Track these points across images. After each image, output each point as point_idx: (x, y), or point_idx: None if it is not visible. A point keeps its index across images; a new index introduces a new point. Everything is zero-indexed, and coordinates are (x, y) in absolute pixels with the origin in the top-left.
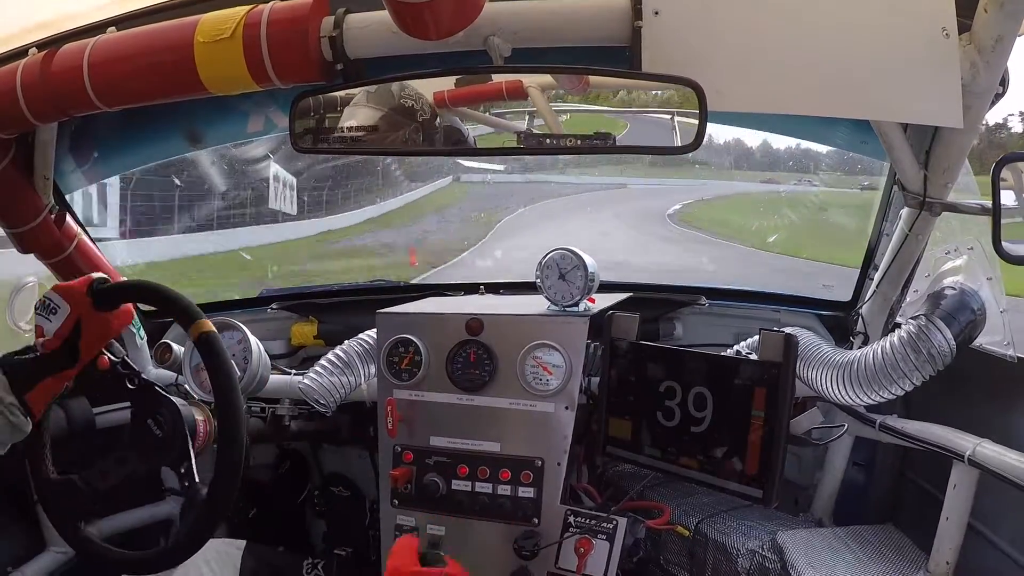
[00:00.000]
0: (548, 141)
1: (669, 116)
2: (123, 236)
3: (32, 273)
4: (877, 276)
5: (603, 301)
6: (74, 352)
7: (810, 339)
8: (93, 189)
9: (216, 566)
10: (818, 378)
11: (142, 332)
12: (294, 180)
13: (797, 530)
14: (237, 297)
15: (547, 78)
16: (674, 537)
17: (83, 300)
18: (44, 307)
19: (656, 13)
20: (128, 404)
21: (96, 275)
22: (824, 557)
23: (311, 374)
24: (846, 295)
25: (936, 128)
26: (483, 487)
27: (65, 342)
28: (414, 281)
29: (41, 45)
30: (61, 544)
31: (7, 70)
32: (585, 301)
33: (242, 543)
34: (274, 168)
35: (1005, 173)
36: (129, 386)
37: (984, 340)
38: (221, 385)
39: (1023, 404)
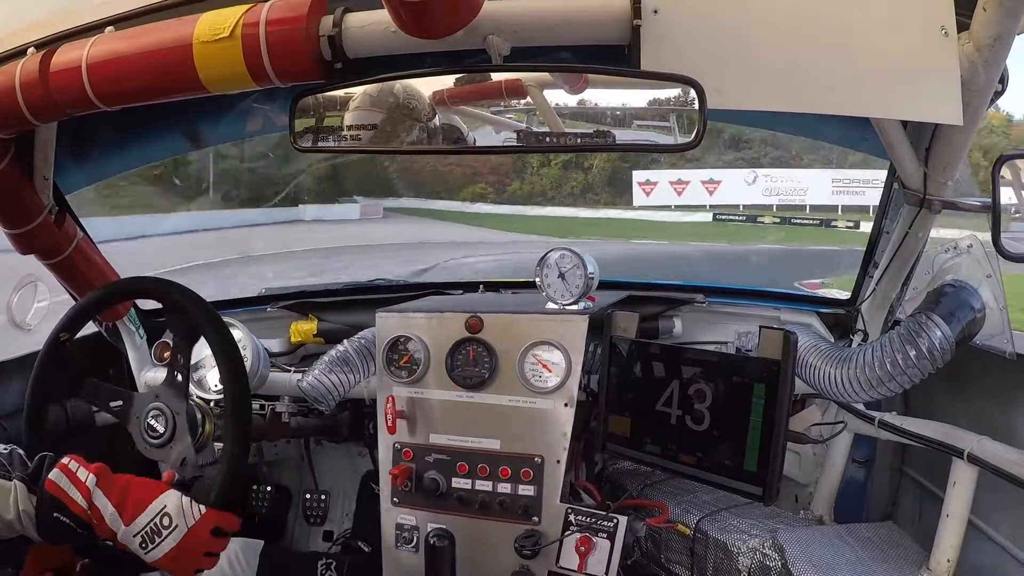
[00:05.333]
0: (548, 139)
1: (669, 114)
2: None
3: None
4: (877, 273)
5: (602, 299)
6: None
7: (809, 337)
8: None
9: (236, 565)
10: (817, 375)
11: (142, 331)
12: None
13: (798, 528)
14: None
15: (546, 77)
16: (675, 535)
17: None
18: (155, 531)
19: (655, 12)
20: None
21: None
22: (825, 555)
23: (311, 372)
24: (846, 292)
25: (936, 126)
26: (483, 485)
27: (115, 546)
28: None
29: (40, 44)
30: None
31: (6, 70)
32: (585, 299)
33: (259, 543)
34: None
35: (1004, 171)
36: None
37: (983, 337)
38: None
39: (1022, 401)
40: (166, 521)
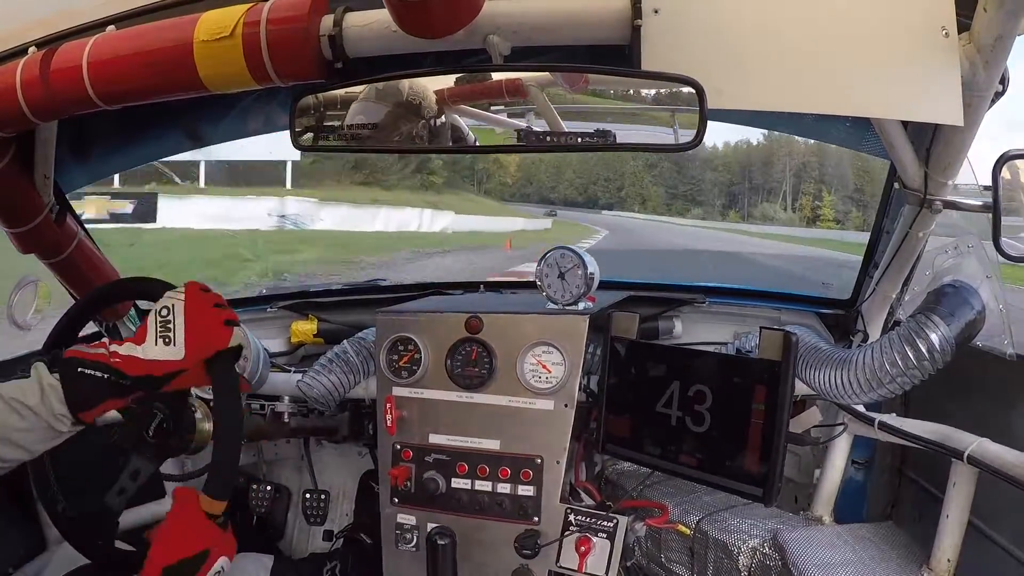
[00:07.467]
0: (548, 139)
1: (669, 114)
2: None
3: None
4: (877, 274)
5: (603, 299)
6: (154, 384)
7: (810, 337)
8: None
9: None
10: (817, 377)
11: None
12: None
13: (798, 528)
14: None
15: (547, 76)
16: (675, 535)
17: (202, 362)
18: (164, 325)
19: (656, 11)
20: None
21: (233, 344)
22: (825, 555)
23: (311, 373)
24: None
25: (936, 126)
26: (483, 485)
27: (151, 377)
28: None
29: (40, 43)
30: (62, 544)
31: (6, 69)
32: (585, 300)
33: (270, 558)
34: None
35: (1004, 171)
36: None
37: (983, 338)
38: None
39: (1022, 402)
40: (164, 312)
